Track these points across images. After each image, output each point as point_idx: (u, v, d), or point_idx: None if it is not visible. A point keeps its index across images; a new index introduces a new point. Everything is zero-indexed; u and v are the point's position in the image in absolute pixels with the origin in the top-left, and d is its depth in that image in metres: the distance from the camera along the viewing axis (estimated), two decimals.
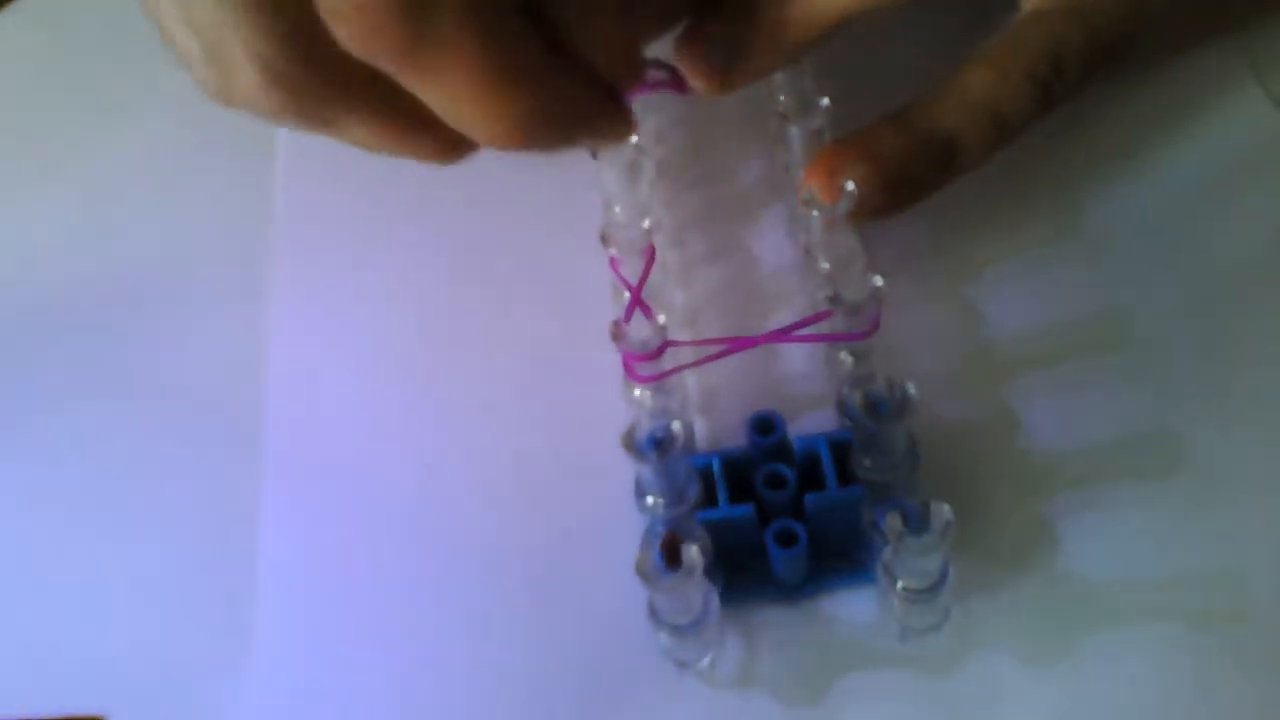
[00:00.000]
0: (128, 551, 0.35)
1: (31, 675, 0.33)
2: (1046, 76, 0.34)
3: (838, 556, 0.32)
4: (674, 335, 0.32)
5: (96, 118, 0.45)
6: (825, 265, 0.33)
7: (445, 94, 0.27)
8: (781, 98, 0.36)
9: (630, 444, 0.30)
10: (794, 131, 0.35)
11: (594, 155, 0.35)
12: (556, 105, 0.29)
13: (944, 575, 0.29)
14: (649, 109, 0.40)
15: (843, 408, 0.33)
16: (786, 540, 0.30)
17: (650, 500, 0.31)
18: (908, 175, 0.34)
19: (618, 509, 0.32)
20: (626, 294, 0.31)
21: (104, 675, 0.33)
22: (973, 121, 0.34)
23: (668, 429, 0.30)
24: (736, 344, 0.33)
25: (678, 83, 0.33)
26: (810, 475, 0.31)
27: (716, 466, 0.31)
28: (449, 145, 0.30)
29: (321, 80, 0.27)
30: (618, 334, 0.31)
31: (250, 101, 0.27)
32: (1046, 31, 0.34)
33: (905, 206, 0.34)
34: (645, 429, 0.30)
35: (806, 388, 0.35)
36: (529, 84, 0.28)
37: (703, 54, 0.34)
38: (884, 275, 0.31)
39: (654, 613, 0.29)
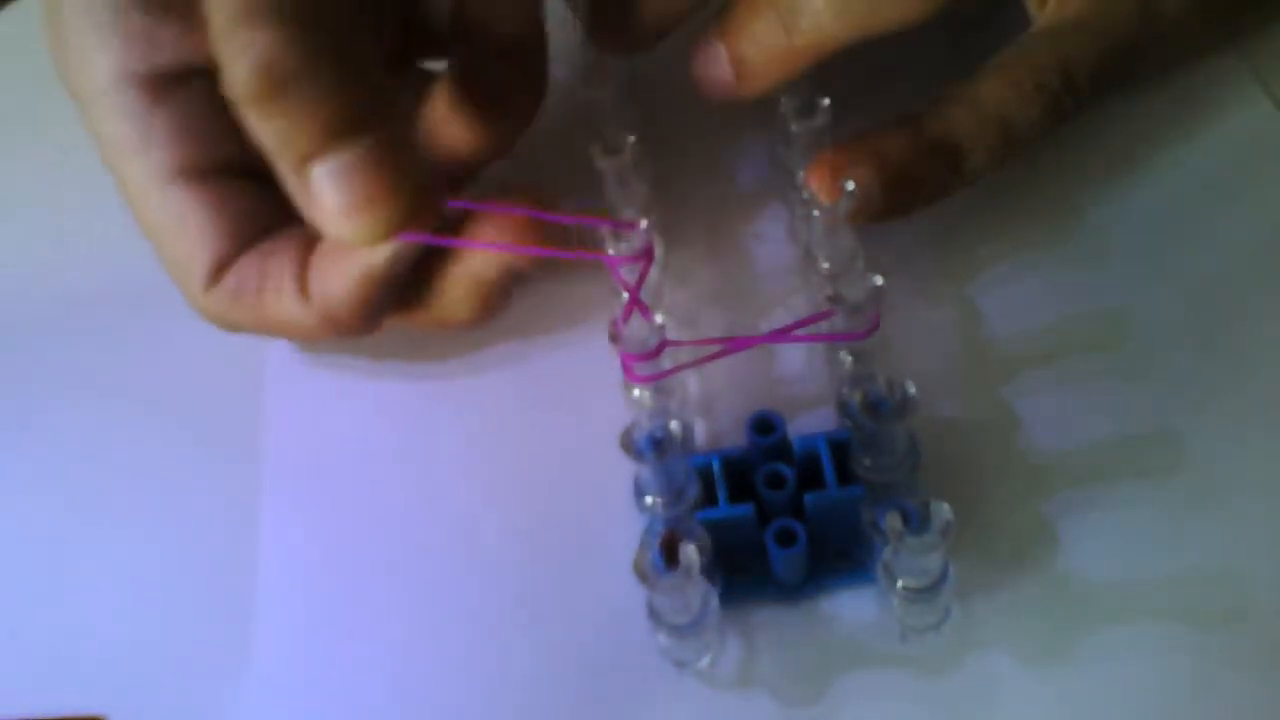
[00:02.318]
0: (128, 551, 0.35)
1: (31, 675, 0.33)
2: (1057, 89, 0.34)
3: (837, 556, 0.32)
4: (673, 335, 0.32)
5: None
6: (825, 265, 0.33)
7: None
8: (782, 98, 0.36)
9: (628, 444, 0.30)
10: (794, 131, 0.35)
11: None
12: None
13: (944, 575, 0.29)
14: (649, 107, 0.40)
15: (843, 408, 0.33)
16: (786, 540, 0.30)
17: (649, 500, 0.31)
18: (910, 179, 0.34)
19: (617, 509, 0.32)
20: (625, 294, 0.31)
21: (104, 675, 0.33)
22: (981, 129, 0.34)
23: (666, 429, 0.30)
24: (736, 344, 0.33)
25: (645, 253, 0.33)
26: (810, 475, 0.31)
27: (716, 466, 0.31)
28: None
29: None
30: (616, 334, 0.31)
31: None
32: (1058, 45, 0.35)
33: (907, 211, 0.34)
34: (644, 429, 0.30)
35: (806, 388, 0.35)
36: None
37: (712, 70, 0.35)
38: (884, 275, 0.31)
39: (653, 612, 0.29)
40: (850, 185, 0.33)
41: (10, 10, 0.49)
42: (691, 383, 0.35)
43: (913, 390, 0.30)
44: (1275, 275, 0.35)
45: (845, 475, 0.31)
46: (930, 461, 0.32)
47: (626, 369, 0.31)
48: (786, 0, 0.34)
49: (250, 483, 0.35)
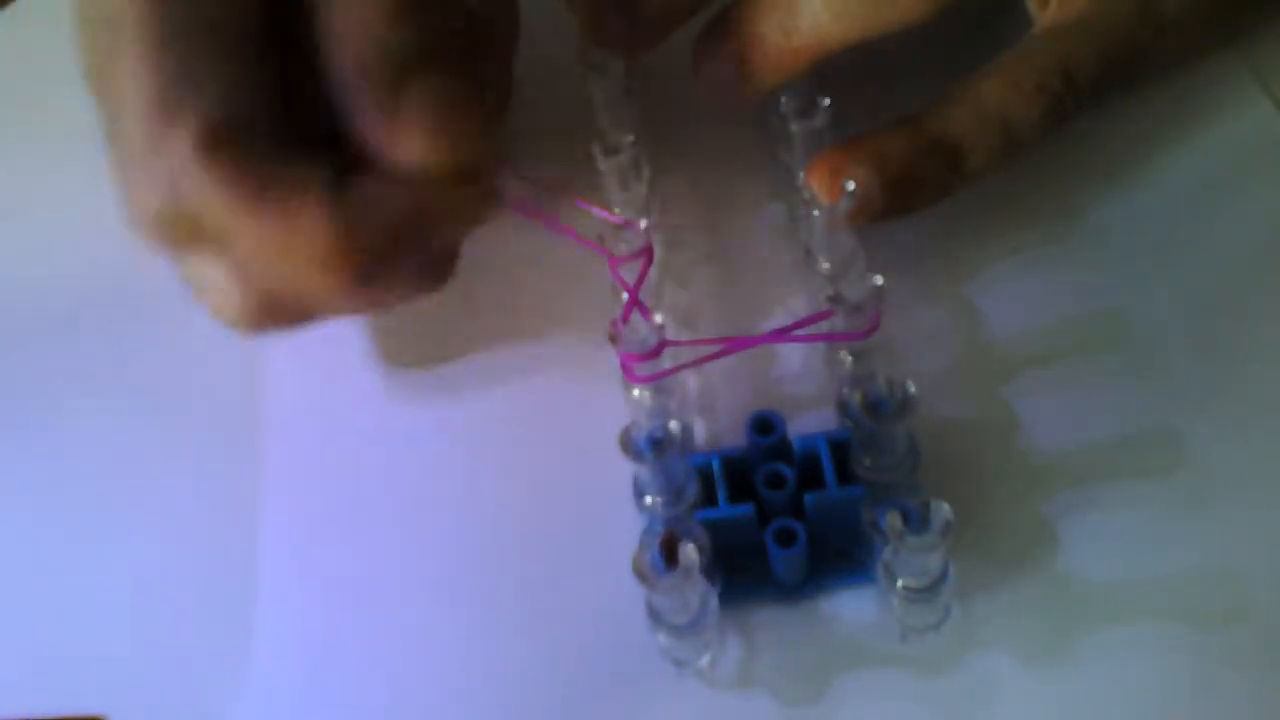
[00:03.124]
0: (127, 552, 0.35)
1: (31, 675, 0.33)
2: (1058, 90, 0.34)
3: (837, 556, 0.32)
4: (673, 335, 0.32)
5: (98, 118, 0.45)
6: (825, 265, 0.33)
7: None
8: (782, 98, 0.36)
9: (628, 444, 0.30)
10: (794, 131, 0.35)
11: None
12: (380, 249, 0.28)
13: (944, 574, 0.29)
14: (649, 107, 0.40)
15: (843, 407, 0.33)
16: (786, 539, 0.30)
17: (649, 500, 0.31)
18: (911, 179, 0.34)
19: (617, 509, 0.32)
20: (625, 294, 0.31)
21: (104, 675, 0.33)
22: (981, 130, 0.34)
23: (665, 429, 0.30)
24: (736, 344, 0.33)
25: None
26: (810, 475, 0.31)
27: (716, 466, 0.31)
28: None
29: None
30: (615, 334, 0.31)
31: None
32: (1059, 46, 0.35)
33: (907, 211, 0.34)
34: (644, 429, 0.30)
35: (806, 388, 0.35)
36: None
37: (713, 70, 0.35)
38: (884, 275, 0.31)
39: (653, 612, 0.29)
40: (850, 185, 0.33)
41: (9, 11, 0.49)
42: (691, 383, 0.35)
43: (913, 390, 0.30)
44: (1275, 275, 0.35)
45: (845, 475, 0.31)
46: (930, 461, 0.32)
47: (626, 369, 0.31)
48: (786, 1, 0.34)
49: (250, 483, 0.35)
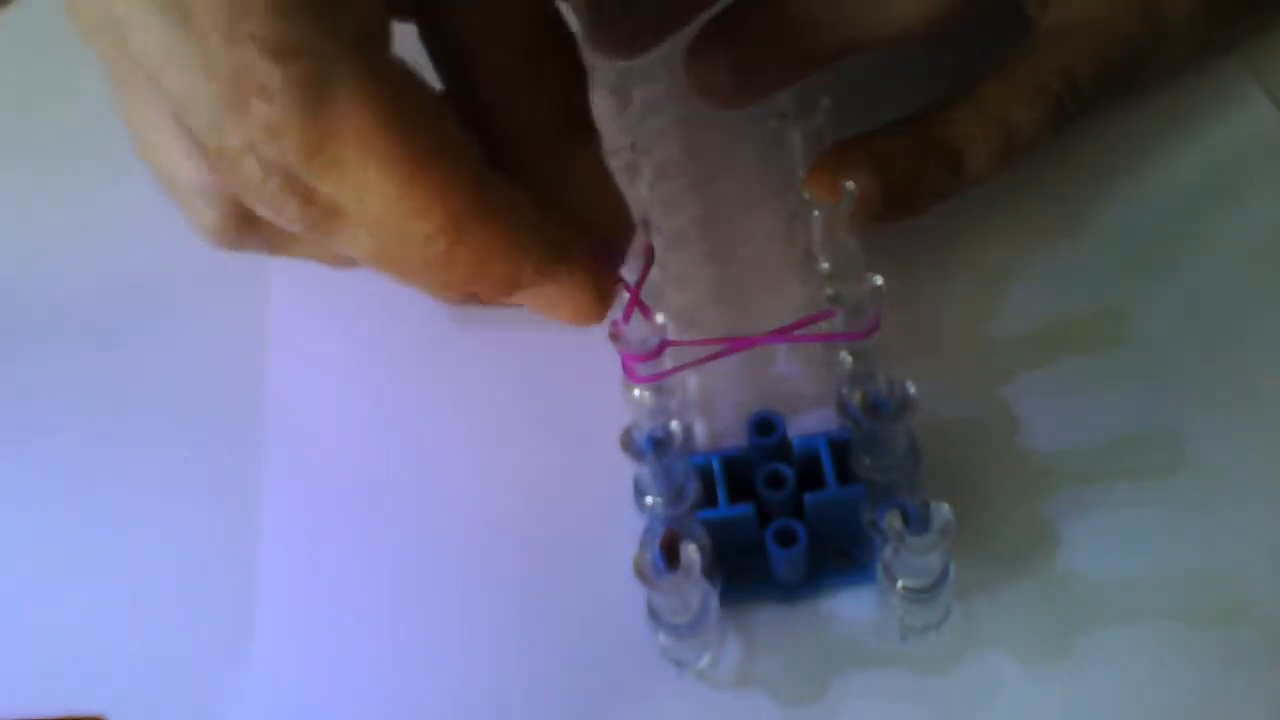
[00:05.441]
0: (127, 552, 0.35)
1: (31, 675, 0.33)
2: (1060, 93, 0.34)
3: (837, 556, 0.32)
4: (673, 335, 0.32)
5: (97, 119, 0.45)
6: (825, 265, 0.33)
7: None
8: (782, 97, 0.36)
9: (628, 444, 0.30)
10: (794, 132, 0.35)
11: None
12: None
13: (944, 574, 0.29)
14: (648, 109, 0.40)
15: (843, 408, 0.33)
16: (786, 539, 0.30)
17: (649, 500, 0.31)
18: (911, 181, 0.34)
19: (617, 509, 0.32)
20: (625, 294, 0.31)
21: (104, 675, 0.33)
22: (983, 133, 0.34)
23: (666, 429, 0.30)
24: (736, 344, 0.33)
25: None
26: (810, 475, 0.31)
27: (716, 466, 0.31)
28: None
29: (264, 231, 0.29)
30: (616, 334, 0.31)
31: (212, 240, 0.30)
32: (1061, 50, 0.35)
33: (908, 213, 0.34)
34: (644, 429, 0.30)
35: (806, 388, 0.35)
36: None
37: (710, 74, 0.35)
38: (884, 275, 0.31)
39: (653, 612, 0.29)
40: (850, 186, 0.33)
41: (9, 11, 0.49)
42: (691, 383, 0.35)
43: (913, 390, 0.30)
44: (1275, 275, 0.35)
45: (845, 475, 0.31)
46: (930, 461, 0.32)
47: (627, 369, 0.31)
48: (784, 9, 0.34)
49: (250, 483, 0.35)
